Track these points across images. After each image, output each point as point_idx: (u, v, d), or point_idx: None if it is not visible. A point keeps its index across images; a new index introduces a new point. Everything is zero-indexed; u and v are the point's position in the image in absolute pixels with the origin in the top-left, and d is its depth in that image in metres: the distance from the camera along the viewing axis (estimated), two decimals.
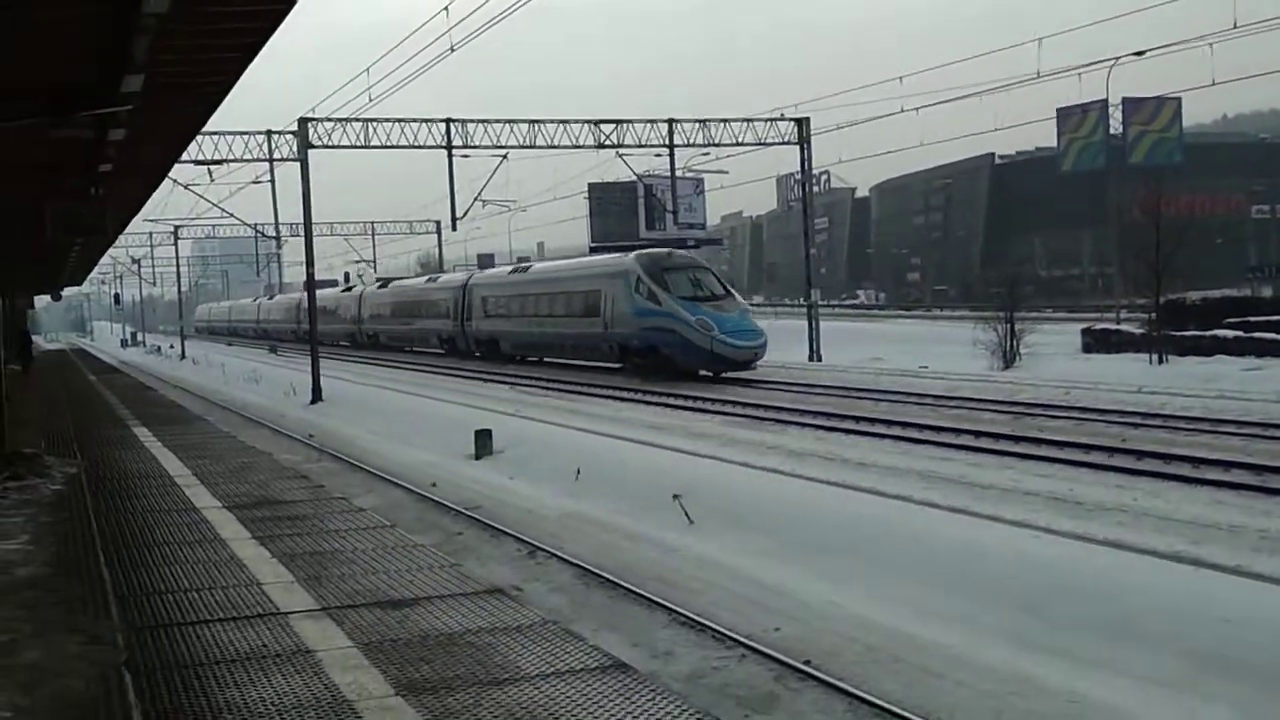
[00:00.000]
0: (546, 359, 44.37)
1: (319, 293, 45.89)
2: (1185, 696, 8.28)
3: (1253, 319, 35.54)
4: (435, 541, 12.23)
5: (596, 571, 12.21)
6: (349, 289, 75.08)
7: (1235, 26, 33.41)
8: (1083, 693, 8.42)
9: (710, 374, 34.16)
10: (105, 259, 67.72)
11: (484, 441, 21.43)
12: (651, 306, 35.51)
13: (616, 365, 38.68)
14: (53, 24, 9.06)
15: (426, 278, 61.80)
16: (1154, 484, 15.49)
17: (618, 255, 40.66)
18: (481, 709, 5.89)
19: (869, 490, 15.58)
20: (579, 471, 17.58)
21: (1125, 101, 68.93)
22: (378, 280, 71.18)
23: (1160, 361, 33.48)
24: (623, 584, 11.66)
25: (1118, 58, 43.13)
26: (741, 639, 9.75)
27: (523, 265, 53.22)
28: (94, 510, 12.06)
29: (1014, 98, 76.93)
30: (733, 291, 38.94)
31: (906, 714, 8.03)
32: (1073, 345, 39.95)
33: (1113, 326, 42.15)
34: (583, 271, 43.01)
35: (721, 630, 10.00)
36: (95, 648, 7.03)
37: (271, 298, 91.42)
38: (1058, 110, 70.57)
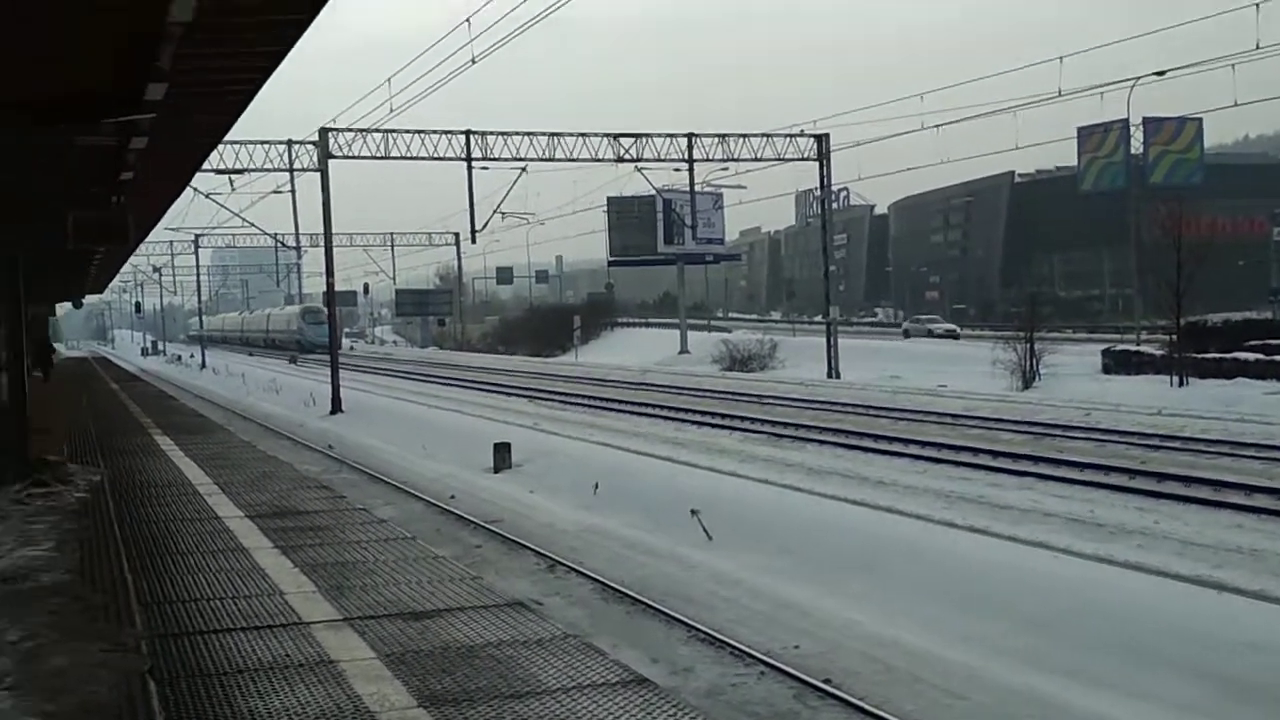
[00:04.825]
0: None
1: (273, 311, 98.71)
2: None
3: (1274, 342, 35.30)
4: (455, 554, 12.23)
5: (616, 586, 12.22)
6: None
7: (1258, 47, 33.39)
8: (1105, 715, 8.39)
9: (317, 351, 69.02)
10: (126, 267, 68.08)
11: (503, 454, 21.46)
12: (300, 327, 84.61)
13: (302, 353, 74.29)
14: (77, 32, 9.14)
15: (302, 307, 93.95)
16: (1175, 507, 15.42)
17: (296, 307, 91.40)
18: None
19: (888, 509, 15.56)
20: (597, 486, 17.60)
21: (1146, 121, 68.57)
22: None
23: (1181, 384, 33.32)
24: (642, 599, 11.67)
25: (1139, 77, 43.11)
26: (761, 656, 9.74)
27: (290, 308, 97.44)
28: (117, 518, 12.11)
29: (1035, 116, 76.55)
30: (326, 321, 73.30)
31: None
32: (1092, 366, 39.79)
33: (1133, 348, 41.97)
34: (290, 311, 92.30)
35: (741, 647, 9.99)
36: (119, 655, 7.05)
37: (250, 311, 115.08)
38: (1078, 129, 70.35)
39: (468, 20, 28.52)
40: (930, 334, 64.95)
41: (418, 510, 17.48)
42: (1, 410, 14.93)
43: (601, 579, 12.56)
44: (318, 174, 37.71)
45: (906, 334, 67.18)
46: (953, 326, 67.74)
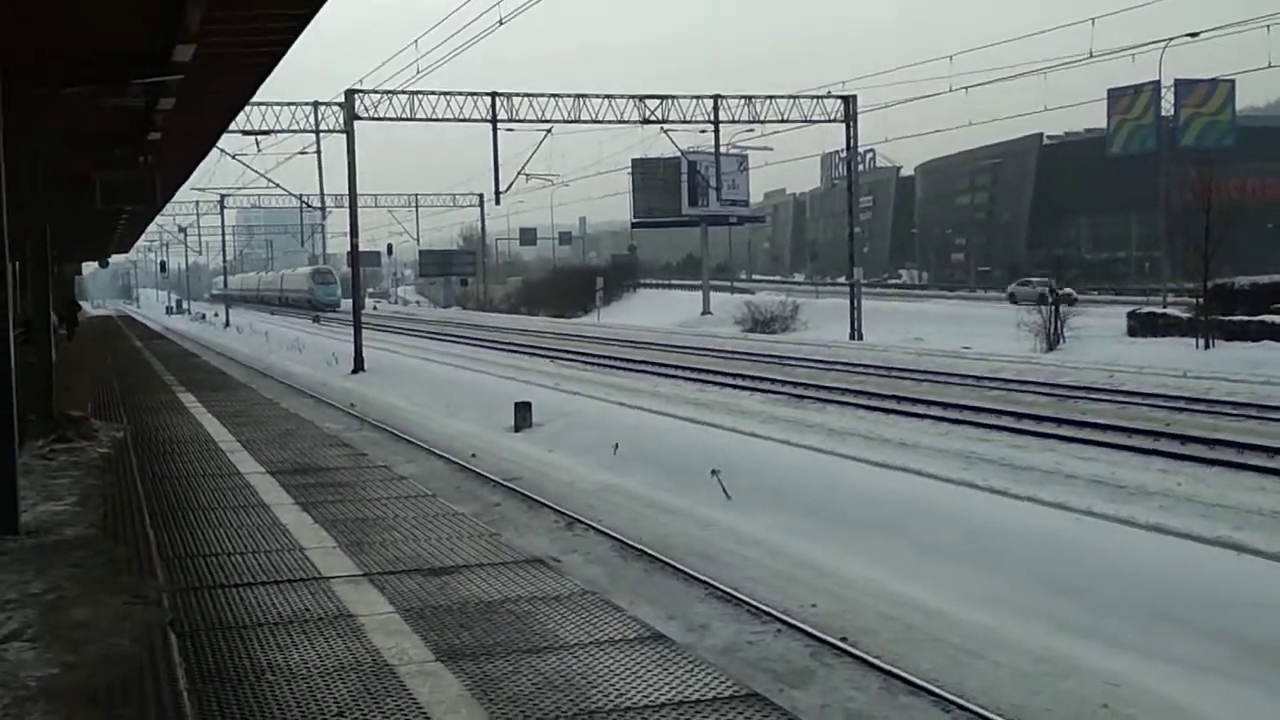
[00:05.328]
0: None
1: (287, 272, 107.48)
2: (1226, 683, 8.23)
3: None
4: (475, 511, 12.29)
5: (634, 544, 12.25)
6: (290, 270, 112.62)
7: None
8: (1121, 675, 8.38)
9: (325, 310, 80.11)
10: (152, 227, 68.35)
11: (523, 414, 21.53)
12: (310, 287, 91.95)
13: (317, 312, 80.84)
14: None
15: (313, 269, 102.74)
16: (1198, 469, 15.38)
17: (308, 268, 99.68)
18: (521, 676, 5.93)
19: (909, 470, 15.55)
20: (617, 446, 17.63)
21: (1178, 83, 67.71)
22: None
23: (1206, 346, 33.10)
24: (660, 557, 11.70)
25: (1172, 39, 42.65)
26: (778, 614, 9.76)
27: (302, 269, 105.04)
28: (139, 473, 12.20)
29: (1065, 78, 75.59)
30: (337, 280, 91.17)
31: (941, 692, 8.03)
32: (1117, 328, 39.56)
33: (1159, 310, 41.68)
34: (302, 272, 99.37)
35: (758, 605, 10.01)
36: (141, 607, 7.12)
37: (266, 271, 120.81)
38: (1108, 91, 69.65)
39: None
40: (1043, 299, 51.91)
41: (438, 468, 17.55)
42: (27, 368, 15.03)
43: (620, 537, 12.60)
44: (343, 135, 37.71)
45: (1013, 298, 57.10)
46: (1068, 290, 53.67)
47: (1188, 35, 41.01)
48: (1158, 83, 64.52)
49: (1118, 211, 77.35)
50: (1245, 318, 34.69)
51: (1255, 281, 39.45)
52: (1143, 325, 39.19)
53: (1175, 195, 48.83)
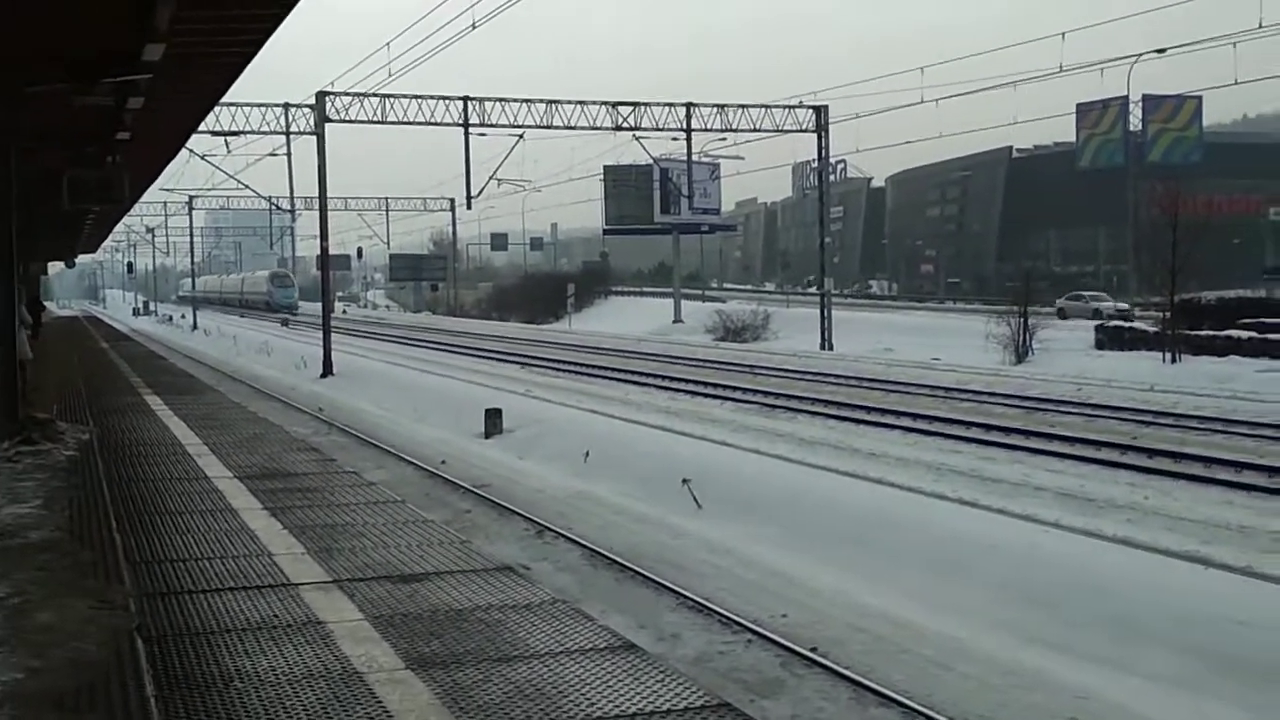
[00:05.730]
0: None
1: (247, 275, 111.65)
2: (1194, 696, 8.26)
3: (1268, 320, 35.29)
4: (445, 518, 12.22)
5: (604, 553, 12.23)
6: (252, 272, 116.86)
7: (1260, 26, 33.32)
8: (1091, 689, 8.41)
9: (282, 312, 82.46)
10: (120, 227, 67.80)
11: (494, 420, 21.47)
12: (269, 289, 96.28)
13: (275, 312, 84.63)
14: None
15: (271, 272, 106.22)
16: (1165, 483, 15.47)
17: (266, 271, 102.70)
18: (491, 684, 5.89)
19: (879, 480, 15.58)
20: (588, 453, 17.60)
21: (1145, 99, 68.37)
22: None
23: (1173, 360, 33.32)
24: (631, 566, 11.68)
25: (1140, 55, 43.05)
26: (748, 624, 9.76)
27: (261, 272, 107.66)
28: (106, 477, 12.07)
29: (1035, 92, 75.82)
30: (294, 284, 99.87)
31: (910, 704, 8.04)
32: (1085, 341, 39.79)
33: (1126, 324, 41.97)
34: (260, 275, 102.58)
35: (728, 615, 10.00)
36: (107, 612, 7.04)
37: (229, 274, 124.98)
38: (1077, 106, 70.16)
39: None
40: (1097, 314, 50.14)
41: (408, 474, 17.46)
42: None
43: (590, 545, 12.56)
44: (314, 137, 37.51)
45: (1062, 314, 51.66)
46: (1125, 306, 51.24)
47: (1156, 51, 41.44)
48: (1126, 98, 65.13)
49: (1086, 225, 77.93)
50: (1211, 332, 34.97)
51: (1221, 296, 39.80)
52: (1110, 339, 39.42)
53: (1143, 210, 49.22)
